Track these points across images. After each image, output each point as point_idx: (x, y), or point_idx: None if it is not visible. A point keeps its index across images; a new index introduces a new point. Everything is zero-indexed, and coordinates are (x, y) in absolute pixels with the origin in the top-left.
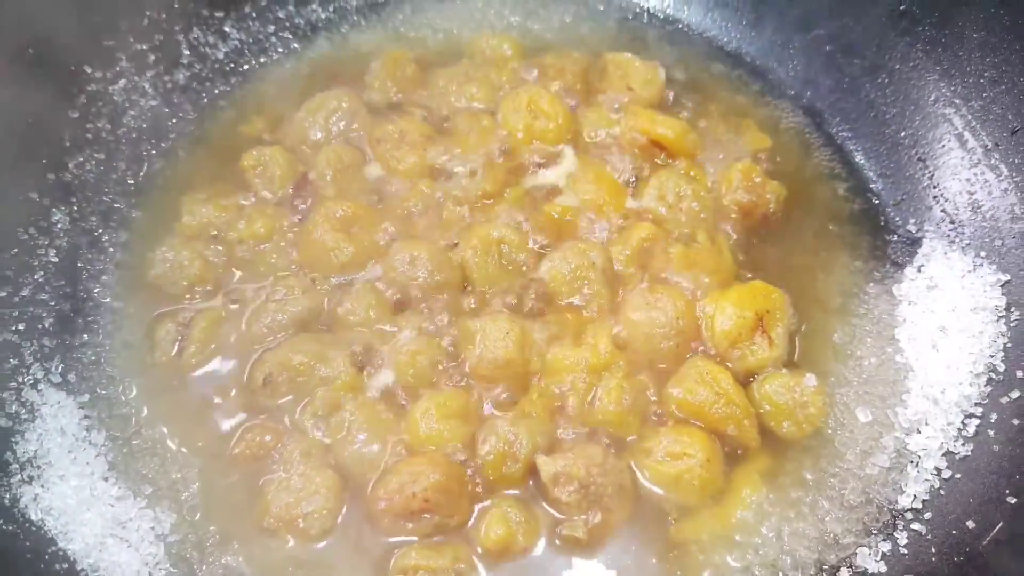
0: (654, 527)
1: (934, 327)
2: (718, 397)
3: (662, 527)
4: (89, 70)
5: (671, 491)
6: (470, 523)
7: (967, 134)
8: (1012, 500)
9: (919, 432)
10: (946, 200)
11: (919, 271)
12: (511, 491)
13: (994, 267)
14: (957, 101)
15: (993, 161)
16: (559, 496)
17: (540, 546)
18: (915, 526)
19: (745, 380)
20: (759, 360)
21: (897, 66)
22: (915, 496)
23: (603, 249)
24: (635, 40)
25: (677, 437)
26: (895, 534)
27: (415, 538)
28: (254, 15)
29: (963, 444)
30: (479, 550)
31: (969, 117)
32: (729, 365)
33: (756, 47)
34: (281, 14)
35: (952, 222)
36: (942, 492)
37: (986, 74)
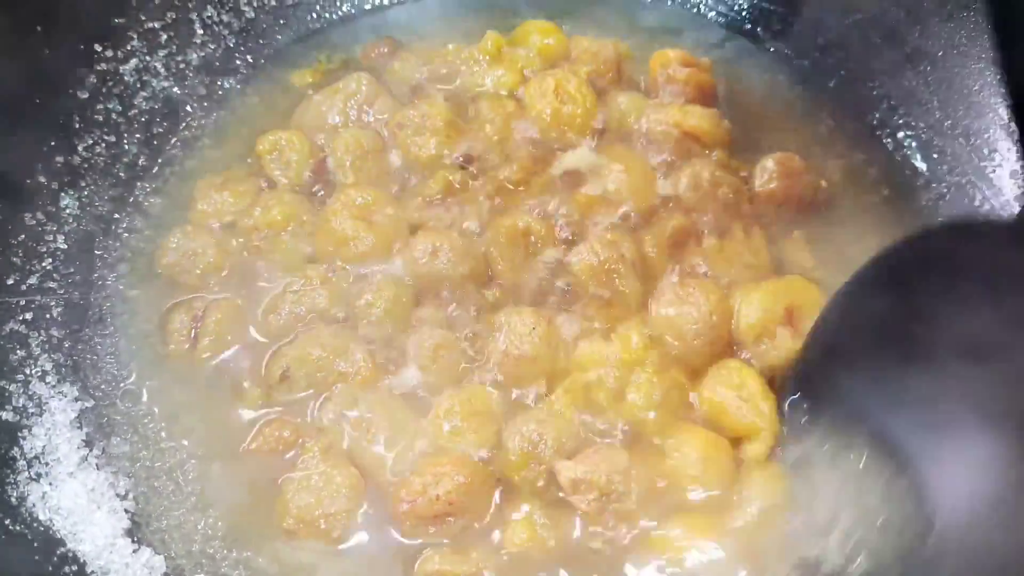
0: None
1: None
2: (742, 403)
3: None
4: (99, 49)
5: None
6: (495, 526)
7: (1015, 126)
8: None
9: None
10: (998, 196)
11: None
12: (538, 493)
13: None
14: (1004, 90)
15: None
16: (579, 504)
17: (567, 551)
18: None
19: (771, 379)
20: (781, 353)
21: (940, 53)
22: None
23: (634, 240)
24: (668, 30)
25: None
26: None
27: (438, 541)
28: None
29: None
30: (504, 554)
31: None
32: (754, 362)
33: (793, 31)
34: None
35: None
36: None
37: None
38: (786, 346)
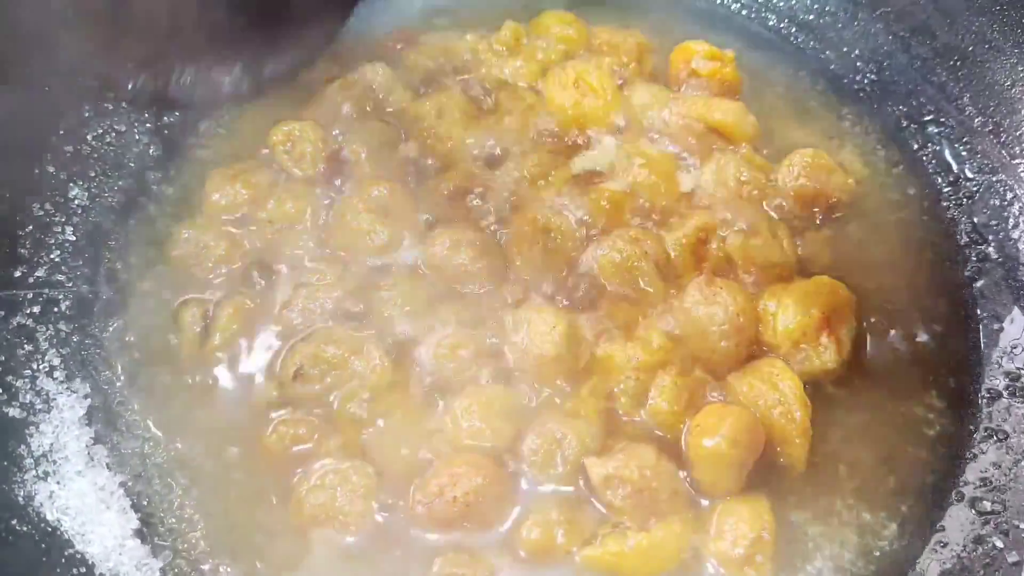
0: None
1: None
2: (777, 404)
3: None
4: None
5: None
6: (512, 526)
7: None
8: None
9: None
10: None
11: (1000, 273)
12: (556, 494)
13: None
14: None
15: None
16: (612, 500)
17: (585, 551)
18: None
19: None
20: (824, 363)
21: (971, 48)
22: None
23: (657, 238)
24: (690, 22)
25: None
26: None
27: (454, 540)
28: None
29: None
30: (521, 554)
31: None
32: (793, 367)
33: (819, 26)
34: None
35: None
36: None
37: None
38: (830, 357)
